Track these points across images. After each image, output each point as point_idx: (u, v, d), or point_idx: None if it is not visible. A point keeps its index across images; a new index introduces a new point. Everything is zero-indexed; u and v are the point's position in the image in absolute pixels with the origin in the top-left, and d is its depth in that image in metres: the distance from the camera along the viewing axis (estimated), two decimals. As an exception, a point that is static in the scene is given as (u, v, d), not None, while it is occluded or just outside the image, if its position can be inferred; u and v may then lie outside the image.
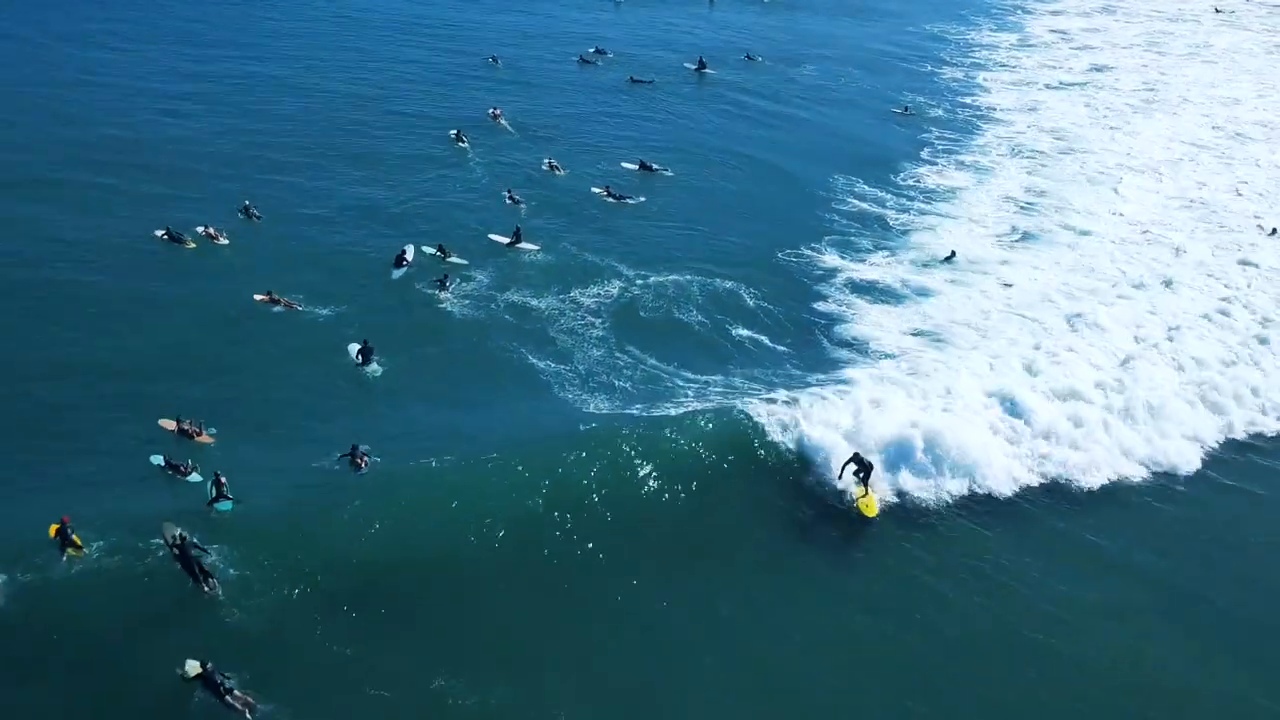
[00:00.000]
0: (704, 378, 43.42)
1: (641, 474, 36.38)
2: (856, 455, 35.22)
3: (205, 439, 37.35)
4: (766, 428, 38.77)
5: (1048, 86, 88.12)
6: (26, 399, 38.40)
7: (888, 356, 45.40)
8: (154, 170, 58.69)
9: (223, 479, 33.69)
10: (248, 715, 27.16)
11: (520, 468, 36.06)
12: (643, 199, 60.18)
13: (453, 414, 39.86)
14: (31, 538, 30.94)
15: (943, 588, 32.70)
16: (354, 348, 42.71)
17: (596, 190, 60.33)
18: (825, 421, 38.79)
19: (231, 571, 31.09)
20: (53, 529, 30.95)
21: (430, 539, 33.15)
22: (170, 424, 37.51)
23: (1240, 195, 66.22)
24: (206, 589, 29.77)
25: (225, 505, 33.40)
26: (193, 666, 27.77)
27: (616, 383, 42.66)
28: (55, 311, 44.45)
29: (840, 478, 35.34)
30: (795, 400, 40.42)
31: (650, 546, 33.86)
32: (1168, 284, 53.40)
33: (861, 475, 34.68)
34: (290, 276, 48.31)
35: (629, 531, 34.42)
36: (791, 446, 38.12)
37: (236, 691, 27.49)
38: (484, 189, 60.76)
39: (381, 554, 32.30)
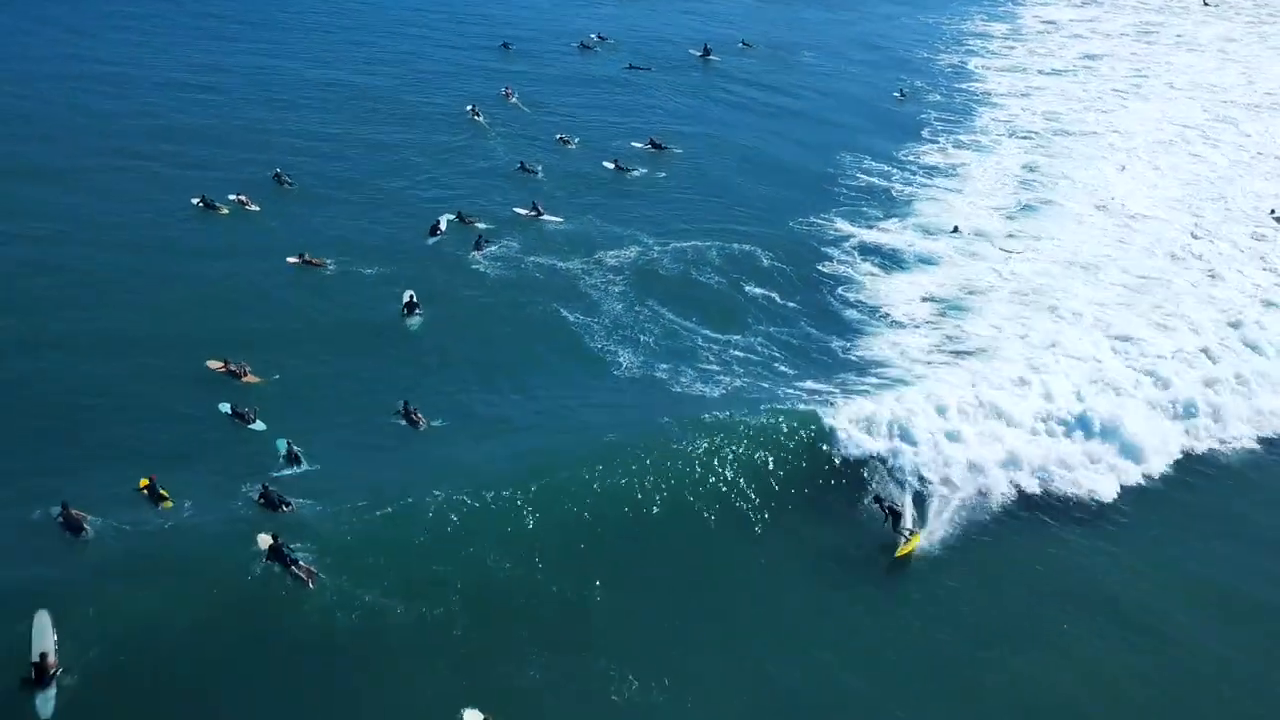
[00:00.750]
0: (724, 336, 45.57)
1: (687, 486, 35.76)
2: (877, 498, 35.03)
3: (251, 379, 39.52)
4: (834, 438, 38.03)
5: (1040, 73, 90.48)
6: (84, 367, 39.92)
7: (899, 325, 47.47)
8: (185, 150, 60.53)
9: (296, 448, 35.61)
10: (309, 584, 29.45)
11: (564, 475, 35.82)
12: (644, 170, 62.55)
13: (492, 375, 41.75)
14: (123, 492, 32.90)
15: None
16: (408, 294, 45.19)
17: (607, 164, 62.58)
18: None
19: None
20: (142, 482, 33.12)
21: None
22: (218, 364, 39.83)
23: (1231, 173, 68.57)
24: (311, 585, 30.22)
25: (298, 468, 35.30)
26: (264, 539, 30.14)
27: (640, 338, 44.84)
28: (102, 280, 46.36)
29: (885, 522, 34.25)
30: (837, 397, 40.10)
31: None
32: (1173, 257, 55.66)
33: (891, 520, 33.99)
34: (321, 239, 50.76)
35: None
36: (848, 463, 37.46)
37: (301, 563, 29.64)
38: (500, 158, 63.43)
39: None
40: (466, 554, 31.98)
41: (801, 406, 38.97)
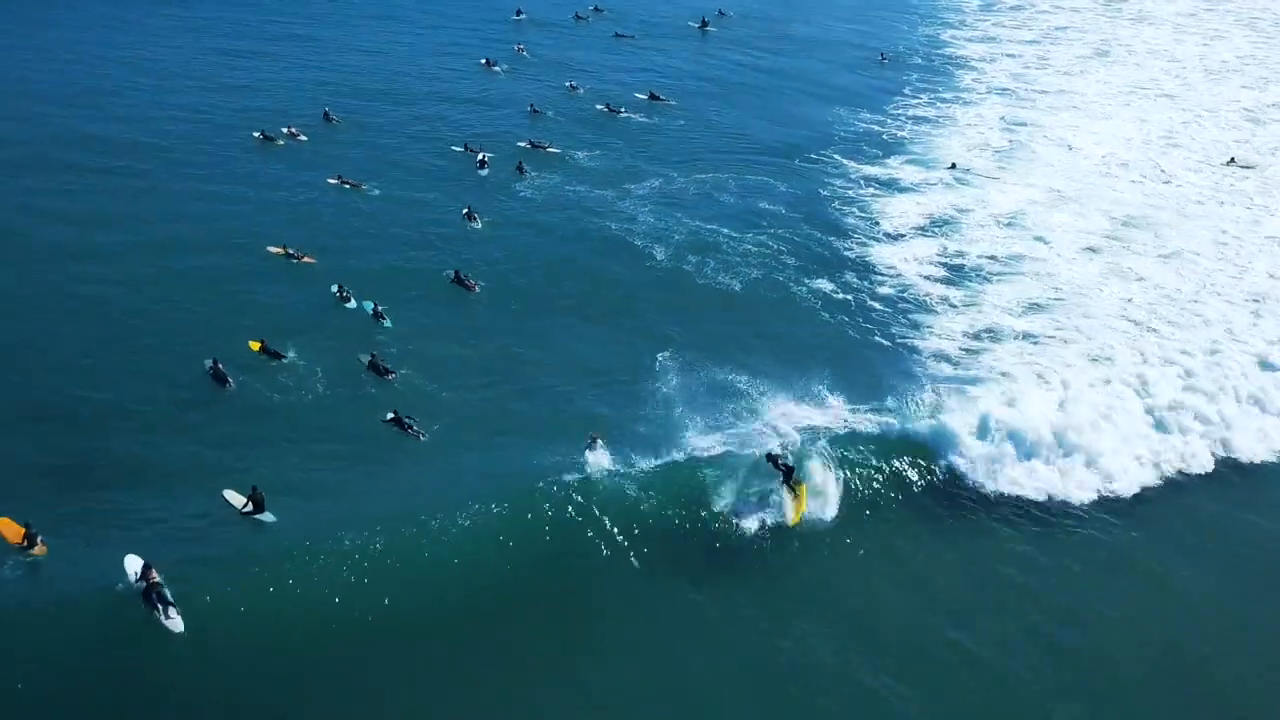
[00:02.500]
0: (741, 236, 51.29)
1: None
2: (770, 455, 31.93)
3: (308, 260, 45.12)
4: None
5: (1012, 42, 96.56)
6: (181, 262, 44.93)
7: (900, 236, 53.03)
8: (245, 98, 65.65)
9: (381, 307, 41.10)
10: (421, 437, 34.19)
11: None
12: (633, 114, 68.19)
13: (548, 269, 47.20)
14: (232, 352, 37.65)
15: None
16: (465, 208, 50.94)
17: (599, 106, 68.61)
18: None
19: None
20: (253, 345, 37.97)
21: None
22: (278, 250, 45.42)
23: (1187, 126, 74.73)
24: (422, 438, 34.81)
25: (387, 323, 40.74)
26: (388, 415, 34.65)
27: (672, 238, 50.51)
28: (181, 195, 51.83)
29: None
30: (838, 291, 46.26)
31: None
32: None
33: (784, 478, 31.27)
34: (358, 165, 56.32)
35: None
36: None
37: (415, 427, 34.26)
38: (515, 101, 69.16)
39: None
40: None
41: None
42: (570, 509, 30.99)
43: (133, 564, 26.55)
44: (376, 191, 53.19)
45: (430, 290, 44.00)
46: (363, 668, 25.45)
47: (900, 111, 74.08)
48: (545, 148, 59.99)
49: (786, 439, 33.80)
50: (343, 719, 24.63)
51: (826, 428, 35.45)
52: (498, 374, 38.53)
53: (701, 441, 34.17)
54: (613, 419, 35.39)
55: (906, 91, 79.41)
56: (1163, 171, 64.92)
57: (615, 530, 30.61)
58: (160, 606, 25.74)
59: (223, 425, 34.01)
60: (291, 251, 45.22)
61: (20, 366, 35.83)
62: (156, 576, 26.06)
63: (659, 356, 39.59)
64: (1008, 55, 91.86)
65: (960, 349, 42.53)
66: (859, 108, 73.90)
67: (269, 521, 29.68)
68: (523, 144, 60.26)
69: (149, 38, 76.62)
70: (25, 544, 27.65)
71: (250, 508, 29.86)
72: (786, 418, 35.67)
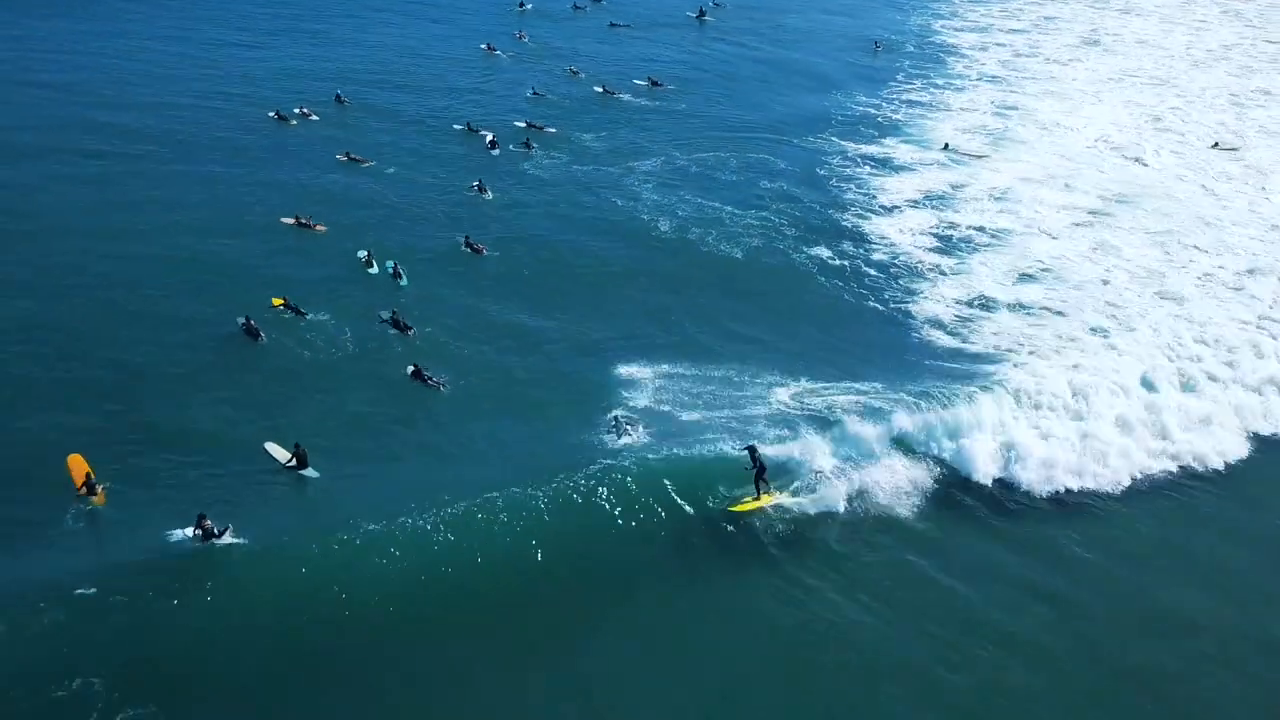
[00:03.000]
0: (743, 212, 53.02)
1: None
2: (752, 449, 31.65)
3: (320, 228, 47.11)
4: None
5: (1002, 31, 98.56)
6: (204, 235, 46.65)
7: (896, 209, 54.90)
8: (259, 85, 66.97)
9: (400, 267, 43.21)
10: (442, 388, 35.77)
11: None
12: (629, 96, 70.31)
13: (558, 245, 48.70)
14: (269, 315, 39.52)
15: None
16: (475, 180, 53.08)
17: (596, 89, 70.87)
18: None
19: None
20: (275, 301, 39.93)
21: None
22: (291, 220, 47.51)
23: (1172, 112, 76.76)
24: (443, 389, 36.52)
25: (404, 282, 42.95)
26: (409, 368, 36.28)
27: (676, 212, 52.22)
28: (202, 166, 53.83)
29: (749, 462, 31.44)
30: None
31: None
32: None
33: (757, 475, 31.23)
34: (367, 143, 58.34)
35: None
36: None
37: (435, 380, 36.00)
38: (518, 85, 71.03)
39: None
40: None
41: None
42: (581, 486, 31.37)
43: (189, 532, 27.79)
44: (391, 170, 54.98)
45: (441, 255, 46.03)
46: (391, 626, 26.48)
47: (894, 96, 75.92)
48: (542, 129, 61.70)
49: (767, 437, 33.35)
50: (368, 663, 25.50)
51: (826, 408, 36.23)
52: (509, 332, 40.34)
53: (695, 417, 35.28)
54: (616, 384, 37.06)
55: (900, 78, 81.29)
56: (1154, 153, 66.81)
57: (628, 510, 30.86)
58: (216, 535, 27.45)
59: (258, 378, 35.80)
60: (304, 221, 47.12)
61: (64, 334, 37.22)
62: (209, 521, 27.63)
63: (663, 320, 41.58)
64: (997, 44, 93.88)
65: (955, 315, 44.30)
66: (854, 92, 75.76)
67: (312, 477, 31.21)
68: (520, 124, 62.01)
69: (162, 30, 78.15)
70: (86, 491, 29.25)
71: (294, 463, 31.37)
72: (787, 392, 36.98)
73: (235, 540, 27.71)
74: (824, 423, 34.67)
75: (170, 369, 36.00)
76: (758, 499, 30.78)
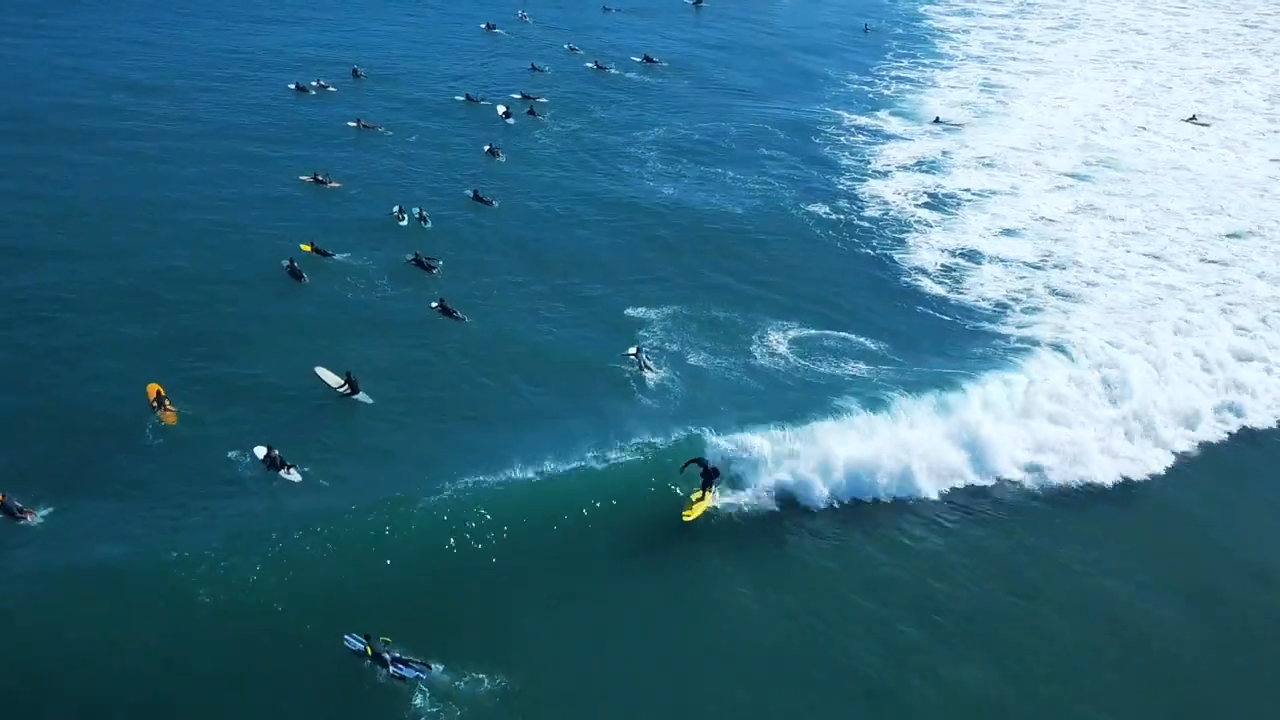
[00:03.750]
0: (744, 175, 56.07)
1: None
2: (699, 460, 30.61)
3: (335, 184, 50.20)
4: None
5: (986, 15, 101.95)
6: (237, 190, 49.56)
7: (888, 172, 57.95)
8: (278, 60, 70.07)
9: (425, 211, 46.51)
10: (465, 320, 38.34)
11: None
12: (619, 70, 73.72)
13: (566, 200, 51.53)
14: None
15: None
16: (487, 145, 56.11)
17: (588, 64, 74.29)
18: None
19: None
20: (304, 247, 42.58)
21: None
22: (308, 177, 50.59)
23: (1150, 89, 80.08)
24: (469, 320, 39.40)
25: (428, 225, 46.19)
26: (436, 303, 39.12)
27: (680, 177, 55.21)
28: (228, 130, 56.86)
29: (681, 472, 30.66)
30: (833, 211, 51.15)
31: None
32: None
33: (703, 481, 30.43)
34: (381, 111, 61.28)
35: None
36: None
37: (458, 314, 38.82)
38: (519, 60, 74.42)
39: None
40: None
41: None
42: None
43: (259, 451, 30.41)
44: (390, 134, 57.83)
45: (454, 206, 48.93)
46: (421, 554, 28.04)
47: (885, 74, 79.07)
48: (535, 99, 64.72)
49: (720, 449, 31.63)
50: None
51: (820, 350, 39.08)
52: (523, 273, 43.36)
53: (702, 359, 37.78)
54: (629, 323, 39.95)
55: (889, 58, 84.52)
56: (1133, 124, 70.03)
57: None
58: (283, 466, 30.08)
59: (305, 313, 38.60)
60: (320, 178, 50.05)
61: (132, 292, 39.12)
62: (276, 452, 30.26)
63: (668, 269, 44.72)
64: (983, 27, 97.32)
65: (942, 265, 47.19)
66: (847, 71, 78.88)
67: (367, 402, 33.71)
68: (515, 95, 64.95)
69: (184, 16, 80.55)
70: (156, 405, 31.97)
71: (347, 389, 33.93)
72: (784, 335, 39.74)
73: (297, 476, 29.99)
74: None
75: (228, 305, 38.75)
76: (703, 497, 29.94)
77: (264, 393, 33.73)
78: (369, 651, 24.16)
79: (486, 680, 23.93)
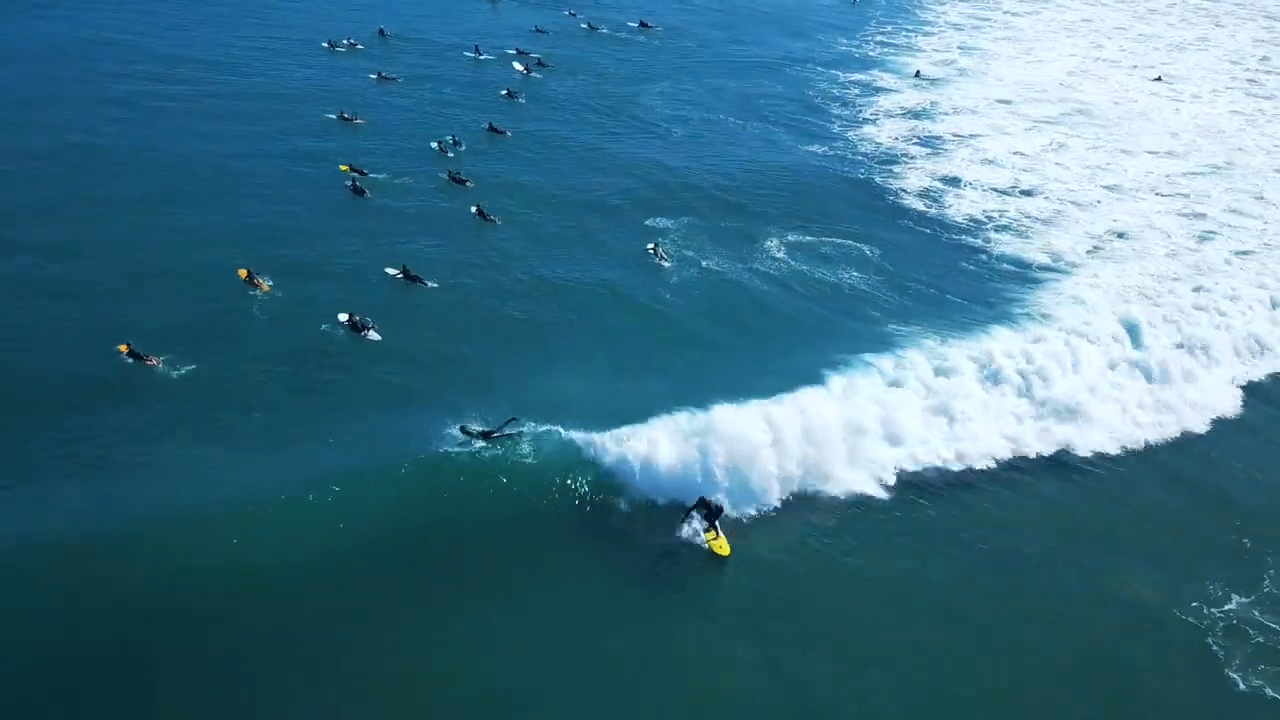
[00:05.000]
0: (745, 123, 61.12)
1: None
2: (702, 500, 29.68)
3: (359, 121, 55.29)
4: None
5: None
6: (279, 123, 54.73)
7: (877, 119, 63.17)
8: (313, 27, 73.94)
9: (458, 137, 51.21)
10: (497, 222, 43.29)
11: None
12: (610, 30, 79.23)
13: (584, 133, 56.91)
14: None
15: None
16: (503, 90, 61.46)
17: (582, 25, 79.89)
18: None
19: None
20: (343, 167, 47.85)
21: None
22: (334, 115, 55.60)
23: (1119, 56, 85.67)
24: (498, 222, 45.54)
25: (463, 148, 51.60)
26: (473, 208, 43.93)
27: (688, 120, 60.31)
28: (271, 77, 61.96)
29: (682, 524, 29.45)
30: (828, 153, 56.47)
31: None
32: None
33: (708, 520, 29.55)
34: (402, 65, 66.10)
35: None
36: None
37: (491, 216, 43.74)
38: (524, 23, 79.59)
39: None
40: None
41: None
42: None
43: (342, 316, 35.63)
44: (401, 79, 63.24)
45: (471, 139, 53.73)
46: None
47: (870, 38, 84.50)
48: (529, 54, 69.99)
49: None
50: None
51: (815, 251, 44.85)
52: (544, 188, 48.96)
53: (713, 260, 43.32)
54: (646, 231, 45.26)
55: (874, 25, 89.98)
56: (1103, 81, 75.57)
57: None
58: (363, 330, 35.03)
59: (369, 221, 43.93)
60: (346, 116, 55.34)
61: (224, 209, 44.26)
62: (358, 317, 35.26)
63: (679, 188, 50.00)
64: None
65: (926, 188, 52.52)
66: (836, 35, 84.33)
67: (430, 286, 38.88)
68: (510, 51, 70.27)
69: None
70: (249, 281, 37.15)
71: (401, 276, 39.00)
72: (783, 240, 45.09)
73: (378, 335, 35.16)
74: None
75: (304, 214, 44.29)
76: (717, 536, 29.30)
77: (340, 277, 38.90)
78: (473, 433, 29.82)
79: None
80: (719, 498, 29.76)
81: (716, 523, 29.53)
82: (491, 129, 55.09)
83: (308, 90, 60.05)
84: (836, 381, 34.00)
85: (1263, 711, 24.60)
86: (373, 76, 63.17)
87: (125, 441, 29.18)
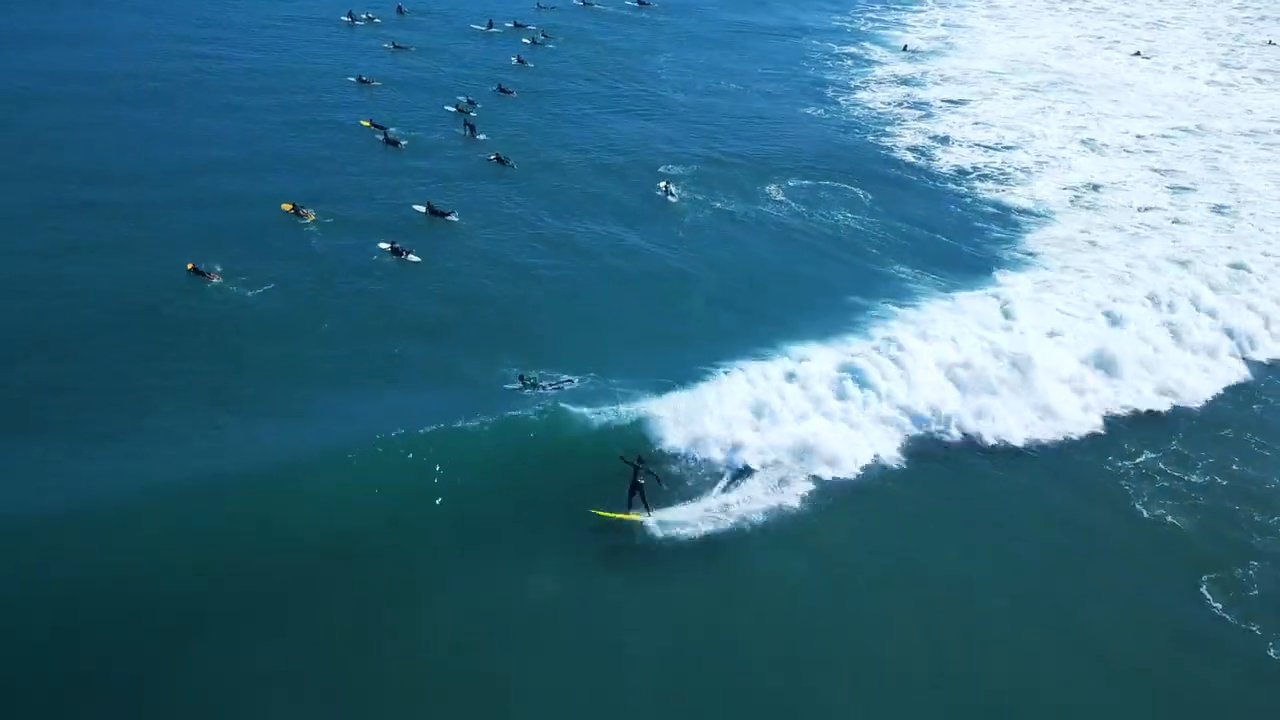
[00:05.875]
0: (745, 87, 64.97)
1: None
2: (641, 460, 27.54)
3: (376, 84, 59.34)
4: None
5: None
6: (310, 82, 58.88)
7: (870, 84, 66.87)
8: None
9: (471, 99, 54.86)
10: (514, 167, 46.84)
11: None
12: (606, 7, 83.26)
13: (595, 94, 60.61)
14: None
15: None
16: (513, 57, 65.65)
17: (576, 2, 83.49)
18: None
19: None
20: (365, 123, 51.91)
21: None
22: (354, 79, 59.67)
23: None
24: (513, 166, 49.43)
25: (479, 106, 55.32)
26: (491, 156, 47.42)
27: (693, 84, 64.20)
28: (299, 51, 65.81)
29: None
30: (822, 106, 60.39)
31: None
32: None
33: (637, 488, 27.18)
34: (416, 39, 69.64)
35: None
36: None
37: (509, 162, 47.34)
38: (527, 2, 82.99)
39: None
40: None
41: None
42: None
43: (384, 244, 39.20)
44: (412, 48, 67.32)
45: (483, 99, 57.67)
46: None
47: (860, 15, 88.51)
48: (527, 26, 73.94)
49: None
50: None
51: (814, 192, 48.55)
52: (555, 139, 52.90)
53: (721, 201, 47.43)
54: (659, 176, 48.87)
55: (863, 2, 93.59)
56: (1085, 55, 79.30)
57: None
58: (404, 254, 38.53)
59: (396, 166, 47.78)
60: (364, 79, 59.23)
61: (269, 152, 48.49)
62: (398, 244, 38.80)
63: (687, 140, 53.74)
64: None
65: (918, 145, 56.07)
66: (829, 11, 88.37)
67: (454, 220, 42.46)
68: (508, 24, 74.13)
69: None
70: (295, 212, 40.90)
71: (427, 211, 42.65)
72: (784, 184, 48.71)
73: (418, 258, 38.74)
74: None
75: (345, 160, 48.12)
76: (627, 512, 27.18)
77: (374, 213, 42.50)
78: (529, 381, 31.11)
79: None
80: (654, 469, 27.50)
81: (642, 492, 27.03)
82: (500, 90, 59.04)
83: (329, 57, 63.79)
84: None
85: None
86: (386, 46, 66.95)
87: (203, 367, 31.69)
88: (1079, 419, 32.65)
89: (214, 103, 54.51)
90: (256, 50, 64.73)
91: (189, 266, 36.23)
